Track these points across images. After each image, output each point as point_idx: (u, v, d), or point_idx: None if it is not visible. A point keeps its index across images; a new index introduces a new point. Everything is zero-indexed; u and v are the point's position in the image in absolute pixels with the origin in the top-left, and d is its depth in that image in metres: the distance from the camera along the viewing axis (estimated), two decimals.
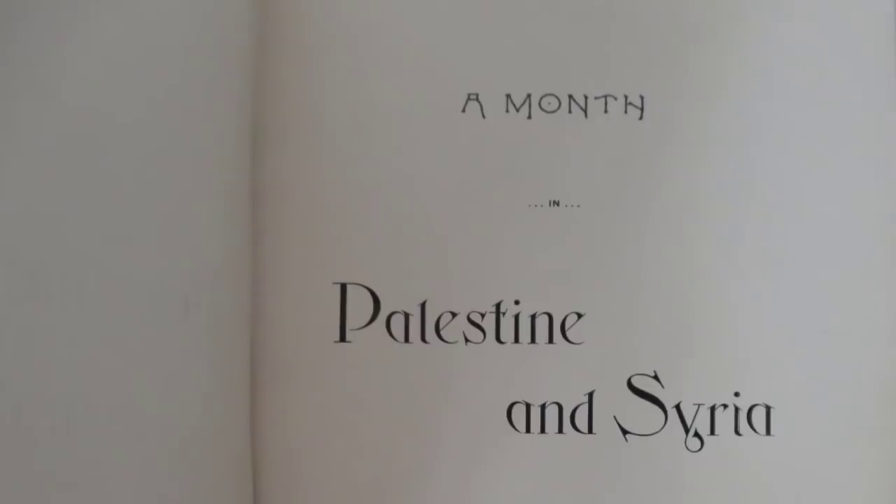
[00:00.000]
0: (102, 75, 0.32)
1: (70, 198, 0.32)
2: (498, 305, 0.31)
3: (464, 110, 0.31)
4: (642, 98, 0.31)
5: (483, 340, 0.31)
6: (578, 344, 0.31)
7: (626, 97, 0.31)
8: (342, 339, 0.31)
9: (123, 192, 0.32)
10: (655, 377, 0.31)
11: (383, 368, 0.31)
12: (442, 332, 0.31)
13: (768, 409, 0.31)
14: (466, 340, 0.31)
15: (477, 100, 0.31)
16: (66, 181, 0.32)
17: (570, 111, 0.31)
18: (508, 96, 0.31)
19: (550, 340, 0.31)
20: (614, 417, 0.31)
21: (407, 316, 0.31)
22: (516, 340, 0.31)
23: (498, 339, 0.31)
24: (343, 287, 0.31)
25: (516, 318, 0.31)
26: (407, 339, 0.31)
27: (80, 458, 0.31)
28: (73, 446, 0.31)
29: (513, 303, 0.31)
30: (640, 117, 0.31)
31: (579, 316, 0.31)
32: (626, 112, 0.31)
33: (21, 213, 0.32)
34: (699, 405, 0.31)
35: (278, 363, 0.31)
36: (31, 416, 0.31)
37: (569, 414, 0.31)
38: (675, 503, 0.31)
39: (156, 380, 0.31)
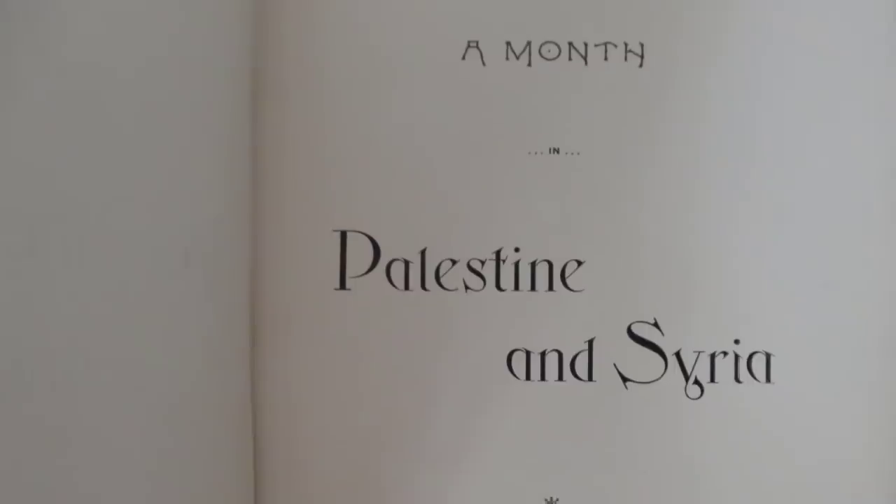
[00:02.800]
0: (102, 29, 0.32)
1: (70, 152, 0.32)
2: (498, 253, 0.31)
3: (464, 58, 0.31)
4: (642, 46, 0.31)
5: (483, 288, 0.31)
6: (578, 291, 0.31)
7: (626, 45, 0.31)
8: (342, 286, 0.31)
9: (123, 145, 0.32)
10: (655, 325, 0.31)
11: (383, 316, 0.31)
12: (442, 280, 0.31)
13: (768, 356, 0.31)
14: (466, 288, 0.31)
15: (477, 47, 0.31)
16: (66, 135, 0.32)
17: (570, 58, 0.31)
18: (508, 44, 0.31)
19: (550, 288, 0.31)
20: (614, 365, 0.31)
21: (407, 263, 0.31)
22: (516, 288, 0.31)
23: (498, 286, 0.31)
24: (343, 235, 0.31)
25: (516, 265, 0.31)
26: (407, 287, 0.31)
27: (80, 410, 0.31)
28: (73, 399, 0.31)
29: (513, 250, 0.31)
30: (640, 65, 0.31)
31: (579, 263, 0.31)
32: (625, 60, 0.31)
33: (21, 167, 0.32)
34: (699, 353, 0.31)
35: (278, 311, 0.31)
36: (31, 368, 0.32)
37: (569, 361, 0.31)
38: (675, 450, 0.31)
39: (156, 330, 0.32)
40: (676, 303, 0.31)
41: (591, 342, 0.31)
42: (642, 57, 0.31)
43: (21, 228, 0.32)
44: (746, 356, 0.31)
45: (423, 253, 0.31)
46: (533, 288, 0.31)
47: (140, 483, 0.31)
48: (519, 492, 0.31)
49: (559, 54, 0.31)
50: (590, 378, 0.31)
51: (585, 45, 0.31)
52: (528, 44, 0.31)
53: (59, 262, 0.32)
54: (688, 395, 0.31)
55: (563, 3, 0.31)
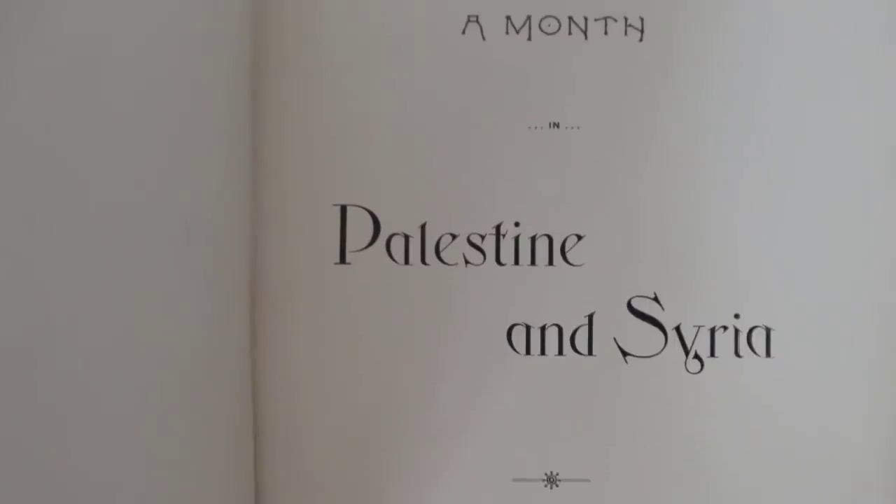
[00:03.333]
0: (100, 1, 0.32)
1: (70, 125, 0.32)
2: (498, 227, 0.31)
3: (464, 32, 0.31)
4: (642, 20, 0.31)
5: (483, 262, 0.31)
6: (578, 266, 0.31)
7: (626, 19, 0.31)
8: (342, 260, 0.31)
9: (123, 118, 0.32)
10: (655, 299, 0.31)
11: (383, 290, 0.31)
12: (442, 254, 0.31)
13: (768, 331, 0.31)
14: (466, 262, 0.31)
15: (477, 21, 0.31)
16: (66, 108, 0.32)
17: (570, 33, 0.31)
18: (508, 18, 0.31)
19: (550, 262, 0.31)
20: (614, 339, 0.31)
21: (407, 238, 0.31)
22: (516, 262, 0.31)
23: (498, 260, 0.31)
24: (343, 209, 0.31)
25: (516, 240, 0.31)
26: (407, 261, 0.31)
27: (78, 386, 0.31)
28: (72, 374, 0.31)
29: (513, 225, 0.31)
30: (640, 39, 0.31)
31: (579, 238, 0.31)
32: (625, 34, 0.31)
33: (20, 143, 0.32)
34: (699, 327, 0.31)
35: (278, 285, 0.31)
36: (30, 340, 0.32)
37: (569, 336, 0.31)
38: (675, 424, 0.31)
39: (156, 303, 0.32)
40: (676, 277, 0.31)
41: (591, 316, 0.31)
42: (642, 31, 0.31)
43: (20, 205, 0.32)
44: (746, 330, 0.31)
45: (423, 227, 0.31)
46: (533, 262, 0.31)
47: (138, 456, 0.31)
48: (519, 466, 0.31)
49: (559, 28, 0.31)
50: (590, 352, 0.31)
51: (585, 19, 0.31)
52: (528, 18, 0.31)
53: (58, 239, 0.32)
54: (688, 370, 0.31)
55: None
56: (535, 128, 0.31)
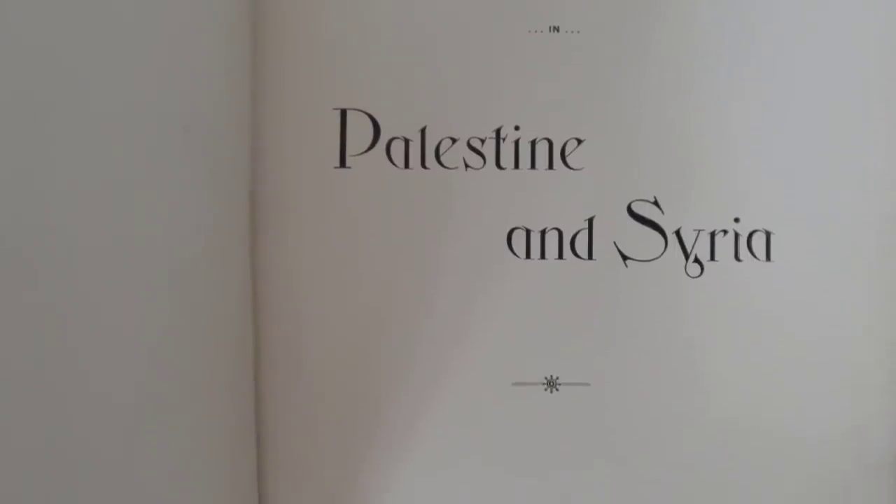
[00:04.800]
0: None
1: (70, 25, 0.32)
2: (498, 131, 0.31)
3: None
4: None
5: (483, 166, 0.31)
6: (578, 170, 0.31)
7: None
8: (342, 164, 0.31)
9: (124, 19, 0.32)
10: (655, 203, 0.31)
11: (383, 194, 0.31)
12: (442, 158, 0.31)
13: (768, 234, 0.31)
14: (466, 166, 0.31)
15: None
16: (67, 7, 0.32)
17: None
18: None
19: (550, 166, 0.31)
20: (614, 243, 0.31)
21: (407, 142, 0.31)
22: (516, 166, 0.31)
23: (498, 164, 0.31)
24: (343, 113, 0.31)
25: (516, 143, 0.31)
26: (407, 165, 0.31)
27: (77, 287, 0.31)
28: (70, 275, 0.31)
29: (513, 128, 0.31)
30: None
31: (579, 142, 0.31)
32: None
33: (20, 37, 0.32)
34: (699, 231, 0.31)
35: (279, 189, 0.31)
36: (30, 249, 0.31)
37: (569, 240, 0.31)
38: (675, 328, 0.31)
39: (155, 207, 0.31)
40: (676, 181, 0.31)
41: (591, 220, 0.31)
42: None
43: (19, 101, 0.32)
44: (746, 234, 0.31)
45: (423, 131, 0.31)
46: (533, 166, 0.31)
47: (137, 360, 0.31)
48: (519, 370, 0.31)
49: None
50: (590, 256, 0.31)
51: None
52: None
53: (58, 137, 0.31)
54: (688, 274, 0.31)
55: None
56: (536, 32, 0.31)
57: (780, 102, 0.31)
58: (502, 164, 0.31)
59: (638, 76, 0.31)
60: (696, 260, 0.31)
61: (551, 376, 0.31)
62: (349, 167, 0.31)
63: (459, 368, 0.31)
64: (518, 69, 0.31)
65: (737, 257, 0.31)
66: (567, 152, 0.31)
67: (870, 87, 0.31)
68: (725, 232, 0.31)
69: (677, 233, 0.31)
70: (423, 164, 0.31)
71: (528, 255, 0.31)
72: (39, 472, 0.30)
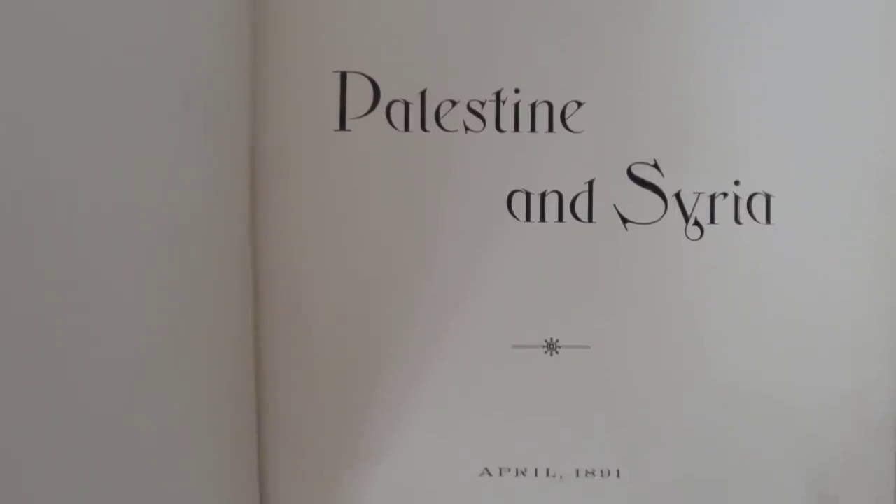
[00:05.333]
0: None
1: None
2: (498, 94, 0.31)
3: None
4: None
5: (483, 129, 0.31)
6: (578, 132, 0.31)
7: None
8: (342, 127, 0.31)
9: None
10: (655, 165, 0.31)
11: (383, 157, 0.31)
12: (442, 121, 0.31)
13: (768, 197, 0.31)
14: (466, 129, 0.31)
15: None
16: None
17: None
18: None
19: (550, 129, 0.31)
20: (614, 206, 0.31)
21: (407, 104, 0.31)
22: (516, 129, 0.31)
23: (498, 127, 0.31)
24: (343, 75, 0.31)
25: (516, 106, 0.31)
26: (407, 128, 0.31)
27: (78, 252, 0.31)
28: (71, 240, 0.31)
29: (513, 91, 0.31)
30: None
31: (579, 104, 0.31)
32: None
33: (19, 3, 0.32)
34: (699, 193, 0.31)
35: (278, 152, 0.31)
36: (31, 205, 0.31)
37: (569, 202, 0.31)
38: (675, 291, 0.31)
39: (155, 172, 0.31)
40: (676, 144, 0.31)
41: (590, 183, 0.31)
42: None
43: (18, 65, 0.32)
44: (746, 197, 0.31)
45: (423, 94, 0.31)
46: (533, 129, 0.31)
47: (139, 315, 0.31)
48: (519, 332, 0.31)
49: None
50: (590, 219, 0.31)
51: None
52: None
53: (57, 92, 0.31)
54: (688, 237, 0.31)
55: None
56: None
57: (781, 65, 0.31)
58: (502, 126, 0.31)
59: (639, 39, 0.31)
60: (696, 223, 0.31)
61: (551, 339, 0.31)
62: (349, 130, 0.31)
63: (459, 331, 0.31)
64: (518, 31, 0.31)
65: (737, 220, 0.31)
66: (567, 115, 0.31)
67: (870, 48, 0.31)
68: (725, 195, 0.31)
69: (677, 195, 0.31)
70: (423, 127, 0.31)
71: (527, 218, 0.31)
72: (39, 432, 0.30)
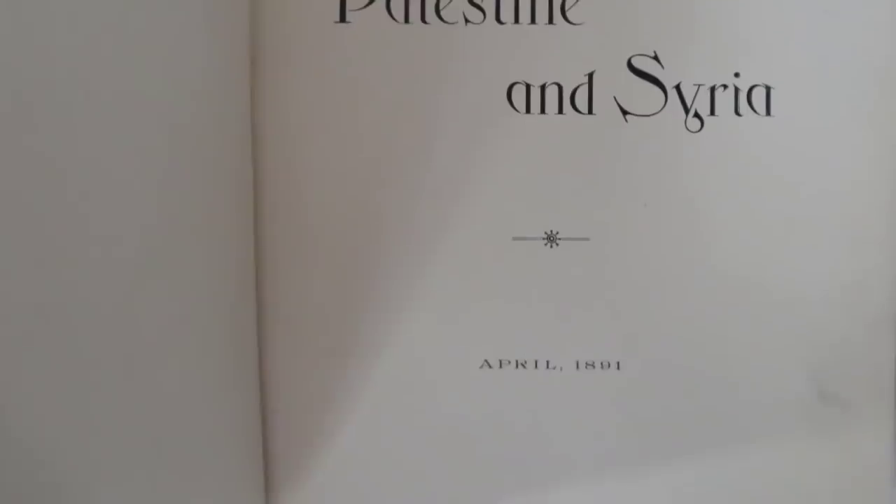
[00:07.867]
0: None
1: None
2: None
3: None
4: None
5: (483, 21, 0.31)
6: (578, 24, 0.31)
7: None
8: (342, 19, 0.31)
9: None
10: (655, 58, 0.31)
11: (383, 49, 0.31)
12: (442, 13, 0.31)
13: (768, 89, 0.31)
14: (466, 21, 0.31)
15: None
16: None
17: None
18: None
19: (550, 21, 0.31)
20: (614, 98, 0.31)
21: None
22: (516, 21, 0.31)
23: (498, 19, 0.31)
24: None
25: None
26: (407, 20, 0.31)
27: (79, 138, 0.31)
28: (72, 127, 0.31)
29: None
30: None
31: None
32: None
33: None
34: (699, 86, 0.31)
35: (278, 44, 0.31)
36: (30, 93, 0.31)
37: (569, 94, 0.31)
38: (675, 182, 0.31)
39: (156, 60, 0.31)
40: (676, 36, 0.31)
41: (591, 75, 0.31)
42: None
43: None
44: (746, 89, 0.31)
45: None
46: (533, 21, 0.31)
47: (139, 206, 0.31)
48: (519, 223, 0.31)
49: None
50: (590, 111, 0.31)
51: None
52: None
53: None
54: (688, 128, 0.31)
55: None
56: None
57: None
58: (502, 18, 0.31)
59: None
60: (696, 115, 0.31)
61: (551, 231, 0.31)
62: (349, 22, 0.31)
63: (459, 223, 0.31)
64: None
65: (737, 112, 0.31)
66: (567, 6, 0.31)
67: None
68: (725, 87, 0.31)
69: (677, 87, 0.31)
70: (423, 19, 0.31)
71: (528, 110, 0.31)
72: (37, 324, 0.30)
